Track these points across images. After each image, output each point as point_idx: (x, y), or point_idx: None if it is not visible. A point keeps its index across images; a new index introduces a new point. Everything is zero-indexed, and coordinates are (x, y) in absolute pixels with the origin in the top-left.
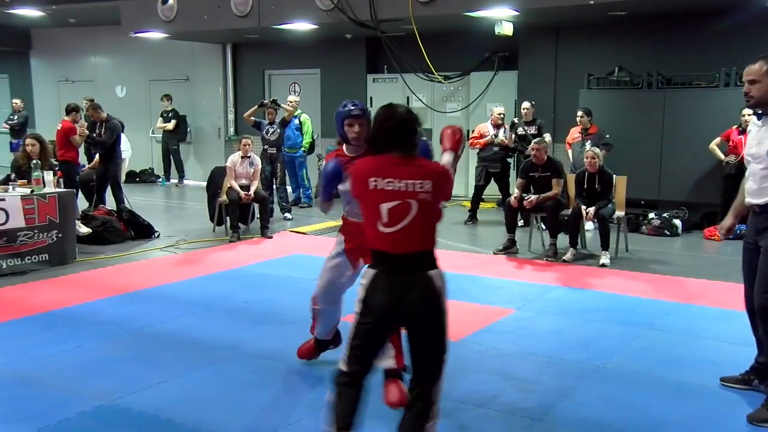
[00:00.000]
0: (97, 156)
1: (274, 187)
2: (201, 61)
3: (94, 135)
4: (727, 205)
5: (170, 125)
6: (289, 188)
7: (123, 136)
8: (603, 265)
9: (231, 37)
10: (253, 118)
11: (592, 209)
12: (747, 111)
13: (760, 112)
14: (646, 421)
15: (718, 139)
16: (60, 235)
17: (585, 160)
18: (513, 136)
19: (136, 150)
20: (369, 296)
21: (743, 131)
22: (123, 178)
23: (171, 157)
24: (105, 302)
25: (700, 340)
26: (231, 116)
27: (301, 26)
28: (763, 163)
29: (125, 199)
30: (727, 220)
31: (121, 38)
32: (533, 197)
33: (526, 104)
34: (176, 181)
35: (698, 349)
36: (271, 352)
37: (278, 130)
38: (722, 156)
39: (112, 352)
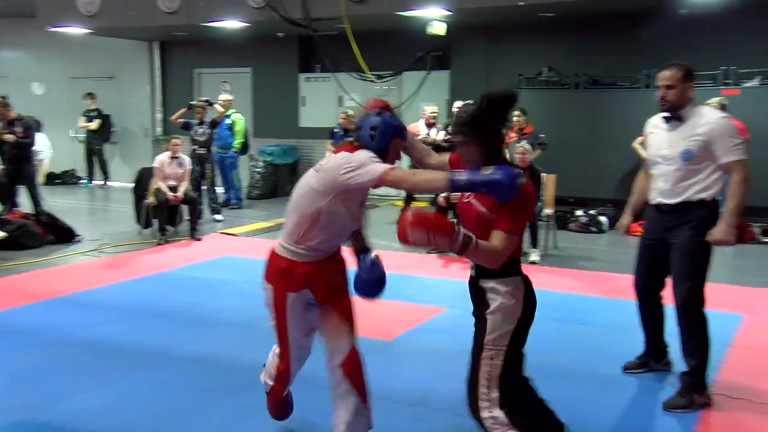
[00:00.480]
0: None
1: (204, 188)
2: (127, 59)
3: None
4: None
5: (93, 125)
6: (219, 189)
7: (42, 136)
8: (533, 263)
9: (159, 35)
10: (181, 120)
11: None
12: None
13: (668, 116)
14: (579, 415)
15: (640, 138)
16: None
17: (516, 155)
18: (445, 135)
19: (56, 150)
20: (529, 303)
21: None
22: (41, 179)
23: (95, 158)
24: (21, 310)
25: (629, 334)
26: (159, 116)
27: (232, 24)
28: (676, 164)
29: (41, 202)
30: (626, 218)
31: (38, 32)
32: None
33: (458, 103)
34: (101, 182)
35: (627, 343)
36: (202, 356)
37: (208, 130)
38: (644, 154)
39: (29, 364)
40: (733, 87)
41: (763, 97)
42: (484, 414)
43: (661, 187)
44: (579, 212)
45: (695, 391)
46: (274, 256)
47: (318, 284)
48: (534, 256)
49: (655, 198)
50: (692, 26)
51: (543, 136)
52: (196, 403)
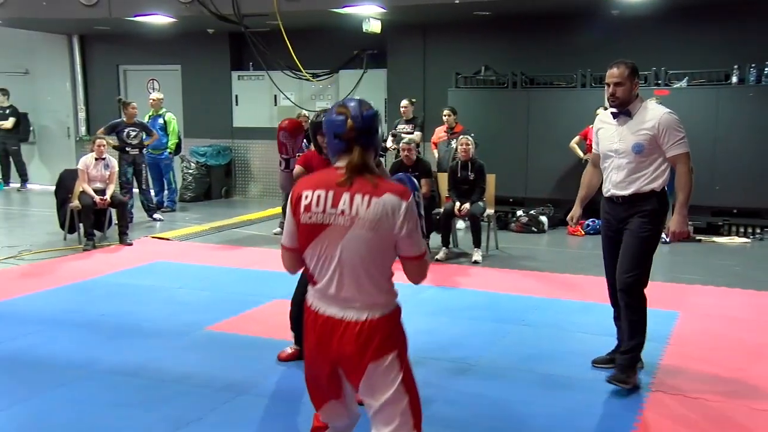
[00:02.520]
0: None
1: (135, 190)
2: (42, 53)
3: None
4: (588, 202)
5: (8, 123)
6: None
7: None
8: (475, 262)
9: (78, 28)
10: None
11: (466, 205)
12: (599, 110)
13: (616, 111)
14: (516, 415)
15: (577, 138)
16: None
17: (459, 147)
18: (391, 136)
19: None
20: None
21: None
22: None
23: (10, 159)
24: None
25: (566, 333)
26: (82, 114)
27: (159, 19)
28: (628, 157)
29: None
30: (576, 210)
31: None
32: None
33: (404, 102)
34: (17, 185)
35: (565, 342)
36: (130, 368)
37: (139, 131)
38: (581, 154)
39: None
40: (663, 87)
41: (691, 96)
42: None
43: (614, 179)
44: (519, 212)
45: (632, 370)
46: (380, 322)
47: None
48: (476, 255)
49: (609, 190)
50: (625, 28)
51: (473, 135)
52: (118, 418)
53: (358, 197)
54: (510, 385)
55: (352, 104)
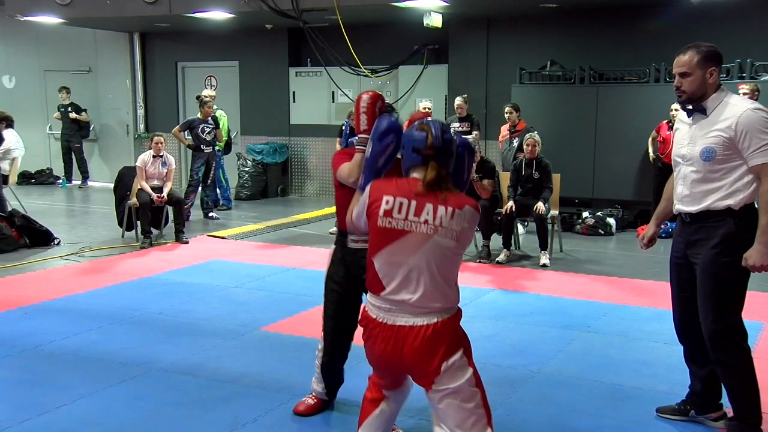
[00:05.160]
0: None
1: (200, 188)
2: (105, 51)
3: None
4: (659, 204)
5: (84, 115)
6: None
7: (13, 133)
8: (544, 266)
9: (139, 26)
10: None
11: (540, 204)
12: (675, 105)
13: (690, 108)
14: (581, 427)
15: (654, 133)
16: None
17: (525, 145)
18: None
19: (30, 148)
20: None
21: (673, 126)
22: (14, 179)
23: (72, 156)
24: None
25: (635, 342)
26: (141, 112)
27: (217, 15)
28: (695, 165)
29: (4, 204)
30: (650, 229)
31: (8, 21)
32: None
33: (458, 100)
34: (79, 182)
35: (632, 351)
36: (187, 367)
37: (214, 128)
38: (651, 152)
39: (1, 375)
40: (749, 80)
41: None
42: None
43: (679, 192)
44: (586, 214)
45: None
46: (447, 323)
47: None
48: (544, 258)
49: (676, 205)
50: (705, 16)
51: (536, 132)
52: (177, 418)
53: (441, 208)
54: (575, 395)
55: (435, 125)
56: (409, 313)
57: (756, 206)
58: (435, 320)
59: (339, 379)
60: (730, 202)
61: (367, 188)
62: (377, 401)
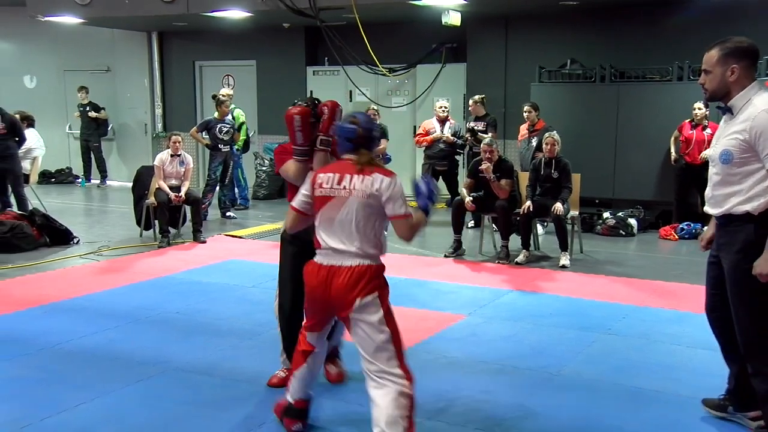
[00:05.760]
0: None
1: (217, 187)
2: (123, 51)
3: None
4: (681, 205)
5: (103, 114)
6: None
7: (34, 132)
8: (563, 267)
9: (157, 25)
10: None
11: (558, 204)
12: (698, 104)
13: (723, 106)
14: (602, 430)
15: (676, 132)
16: None
17: (544, 144)
18: (467, 133)
19: (50, 147)
20: None
21: (696, 125)
22: (34, 177)
23: (91, 155)
24: (13, 317)
25: (658, 344)
26: (159, 111)
27: (234, 14)
28: (716, 167)
29: (25, 202)
30: (709, 230)
31: (29, 21)
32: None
33: (471, 101)
34: (98, 181)
35: (655, 354)
36: (205, 367)
37: (231, 128)
38: (674, 153)
39: (20, 373)
40: None
41: None
42: None
43: (707, 193)
44: (606, 214)
45: None
46: (367, 268)
47: None
48: (564, 259)
49: (705, 207)
50: (732, 11)
51: (555, 132)
52: (193, 417)
53: (356, 177)
54: (595, 398)
55: (362, 117)
56: (339, 257)
57: None
58: (358, 263)
59: None
60: (748, 207)
61: (308, 179)
62: (307, 353)
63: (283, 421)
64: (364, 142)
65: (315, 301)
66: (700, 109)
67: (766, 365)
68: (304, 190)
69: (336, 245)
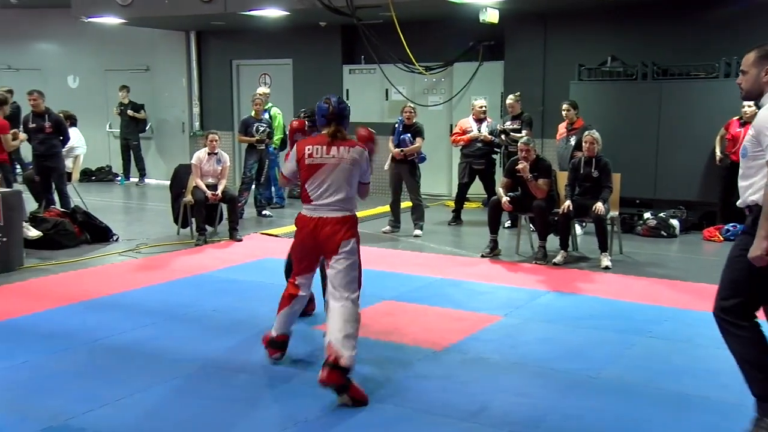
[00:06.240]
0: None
1: (253, 186)
2: (162, 50)
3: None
4: (726, 205)
5: (142, 114)
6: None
7: (76, 131)
8: (606, 268)
9: (195, 24)
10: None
11: (599, 204)
12: (747, 102)
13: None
14: None
15: (722, 131)
16: (5, 239)
17: (584, 143)
18: (500, 134)
19: (91, 146)
20: None
21: (744, 123)
22: (76, 176)
23: (131, 154)
24: (56, 312)
25: (701, 348)
26: (196, 110)
27: (271, 13)
28: (741, 162)
29: (71, 201)
30: None
31: (72, 23)
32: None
33: (509, 99)
34: (136, 179)
35: (699, 359)
36: (241, 365)
37: (267, 126)
38: (718, 152)
39: (63, 368)
40: None
41: None
42: None
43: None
44: (647, 215)
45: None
46: (347, 219)
47: None
48: (605, 261)
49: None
50: None
51: (595, 130)
52: (229, 414)
53: (341, 147)
54: (635, 403)
55: (334, 99)
56: (325, 210)
57: None
58: (340, 215)
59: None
60: (756, 197)
61: (294, 149)
62: (293, 296)
63: (268, 350)
64: (335, 118)
65: (305, 247)
66: (750, 107)
67: (723, 331)
68: (292, 161)
69: (324, 201)
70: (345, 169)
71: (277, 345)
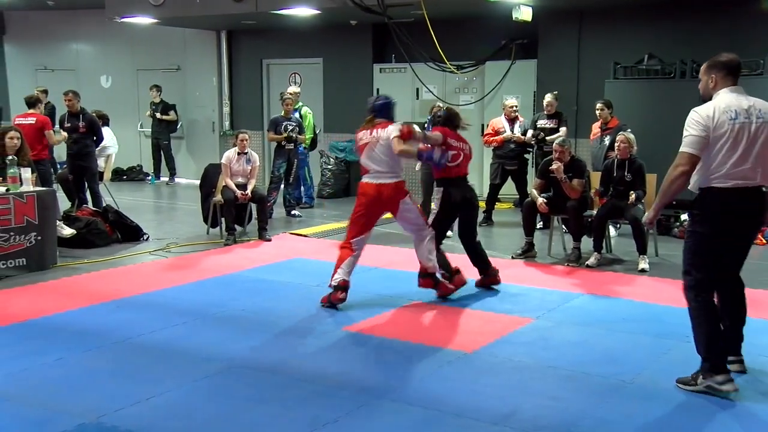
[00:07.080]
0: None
1: (282, 185)
2: (193, 49)
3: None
4: None
5: (171, 116)
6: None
7: (108, 130)
8: (642, 271)
9: (226, 24)
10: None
11: (633, 195)
12: None
13: None
14: None
15: None
16: (39, 237)
17: (617, 144)
18: (532, 131)
19: (123, 145)
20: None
21: None
22: (108, 175)
23: (161, 153)
24: (88, 311)
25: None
26: (226, 109)
27: (302, 12)
28: None
29: (102, 200)
30: None
31: (105, 23)
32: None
33: (548, 97)
34: (167, 179)
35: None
36: (269, 365)
37: (296, 125)
38: None
39: (96, 365)
40: None
41: None
42: None
43: None
44: (684, 216)
45: (700, 373)
46: (399, 183)
47: None
48: (643, 263)
49: None
50: None
51: (630, 130)
52: (257, 415)
53: (378, 130)
54: (671, 408)
55: (372, 98)
56: (382, 178)
57: (710, 187)
58: (393, 180)
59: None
60: (691, 183)
61: (355, 137)
62: (349, 248)
63: (331, 296)
64: (373, 110)
65: (370, 206)
66: None
67: (686, 298)
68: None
69: (379, 169)
70: (385, 145)
71: (342, 288)
